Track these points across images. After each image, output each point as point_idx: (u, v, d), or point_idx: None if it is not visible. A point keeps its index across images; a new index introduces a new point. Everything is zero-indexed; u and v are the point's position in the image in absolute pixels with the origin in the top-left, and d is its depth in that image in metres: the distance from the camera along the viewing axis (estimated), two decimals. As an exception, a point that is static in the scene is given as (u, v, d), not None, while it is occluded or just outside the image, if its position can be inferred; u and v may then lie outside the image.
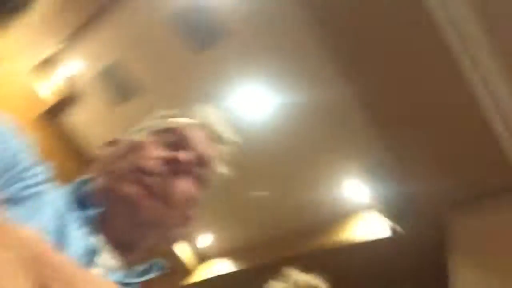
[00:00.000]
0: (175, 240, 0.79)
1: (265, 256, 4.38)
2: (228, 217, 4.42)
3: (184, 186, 0.73)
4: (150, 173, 0.70)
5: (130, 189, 0.68)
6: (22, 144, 0.62)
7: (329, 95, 3.35)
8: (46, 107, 4.50)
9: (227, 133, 0.85)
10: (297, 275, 1.79)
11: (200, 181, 0.77)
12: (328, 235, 4.17)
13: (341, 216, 4.13)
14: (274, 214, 4.32)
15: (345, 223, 4.15)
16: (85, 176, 0.75)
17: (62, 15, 3.61)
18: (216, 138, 0.83)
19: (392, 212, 3.60)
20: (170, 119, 0.83)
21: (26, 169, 0.61)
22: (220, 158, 0.83)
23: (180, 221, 0.75)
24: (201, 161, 0.77)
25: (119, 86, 4.21)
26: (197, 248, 4.92)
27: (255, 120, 3.87)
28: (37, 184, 0.62)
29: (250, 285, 2.06)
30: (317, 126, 3.74)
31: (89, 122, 4.54)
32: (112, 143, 0.81)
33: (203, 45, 3.66)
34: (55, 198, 0.64)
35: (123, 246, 0.70)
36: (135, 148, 0.74)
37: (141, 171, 0.70)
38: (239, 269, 4.69)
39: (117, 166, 0.72)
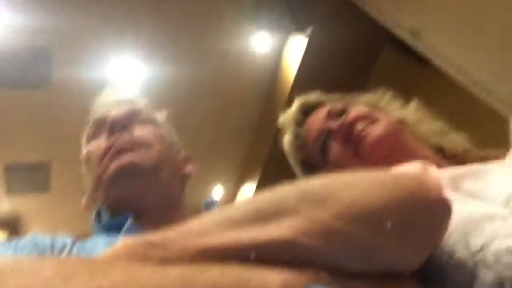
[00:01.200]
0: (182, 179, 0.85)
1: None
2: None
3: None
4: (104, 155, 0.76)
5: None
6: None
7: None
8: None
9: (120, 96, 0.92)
10: None
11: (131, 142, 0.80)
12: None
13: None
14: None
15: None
16: (92, 213, 0.79)
17: None
18: (112, 102, 0.89)
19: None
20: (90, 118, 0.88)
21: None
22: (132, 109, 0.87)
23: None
24: (116, 125, 0.80)
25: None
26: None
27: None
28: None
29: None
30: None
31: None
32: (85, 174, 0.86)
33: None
34: (94, 243, 0.66)
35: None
36: (88, 161, 0.81)
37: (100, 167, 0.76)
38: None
39: (97, 182, 0.77)
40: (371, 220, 0.41)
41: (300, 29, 3.74)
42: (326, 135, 0.97)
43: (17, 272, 0.28)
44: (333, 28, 3.54)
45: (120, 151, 0.75)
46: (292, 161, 1.07)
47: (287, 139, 1.07)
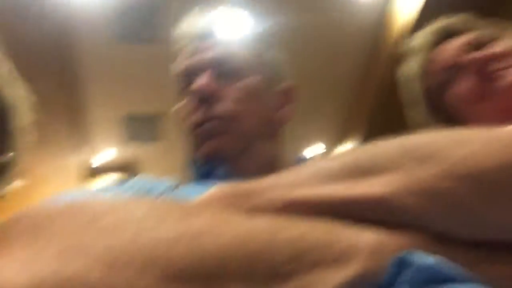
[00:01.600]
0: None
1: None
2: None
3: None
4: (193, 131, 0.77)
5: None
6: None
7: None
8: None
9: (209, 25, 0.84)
10: None
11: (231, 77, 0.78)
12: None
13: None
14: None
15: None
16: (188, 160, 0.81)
17: None
18: (196, 33, 0.83)
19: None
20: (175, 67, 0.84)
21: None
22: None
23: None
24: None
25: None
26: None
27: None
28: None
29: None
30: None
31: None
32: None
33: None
34: (189, 189, 0.67)
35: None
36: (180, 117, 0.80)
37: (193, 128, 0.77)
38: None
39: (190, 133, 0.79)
40: (483, 180, 0.36)
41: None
42: (454, 69, 0.85)
43: (112, 211, 0.30)
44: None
45: (205, 136, 0.75)
46: (408, 98, 0.95)
47: (409, 67, 0.94)
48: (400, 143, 0.40)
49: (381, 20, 4.12)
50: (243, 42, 0.87)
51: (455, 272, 0.31)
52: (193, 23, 0.85)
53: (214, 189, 0.40)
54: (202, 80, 0.76)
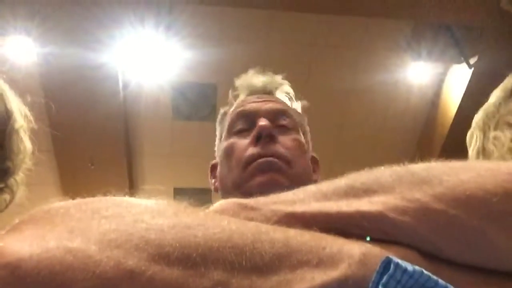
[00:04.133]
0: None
1: None
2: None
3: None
4: (251, 162, 0.81)
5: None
6: None
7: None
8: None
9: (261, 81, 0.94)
10: None
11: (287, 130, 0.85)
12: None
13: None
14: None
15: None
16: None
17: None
18: (257, 87, 0.92)
19: None
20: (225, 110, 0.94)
21: None
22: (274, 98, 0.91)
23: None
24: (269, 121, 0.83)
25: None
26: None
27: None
28: None
29: None
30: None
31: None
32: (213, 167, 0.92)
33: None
34: None
35: None
36: (229, 154, 0.85)
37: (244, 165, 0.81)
38: None
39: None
40: (475, 204, 0.36)
41: (463, 59, 3.50)
42: None
43: (114, 206, 0.34)
44: (498, 58, 3.24)
45: (266, 168, 0.79)
46: None
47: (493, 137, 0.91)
48: (395, 170, 0.41)
49: (436, 103, 4.12)
50: (294, 106, 0.96)
51: (442, 283, 0.31)
52: (256, 78, 0.95)
53: (220, 202, 0.42)
54: (264, 121, 0.82)
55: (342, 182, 0.41)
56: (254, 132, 0.82)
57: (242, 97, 0.93)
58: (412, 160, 0.43)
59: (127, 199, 0.37)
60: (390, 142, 4.29)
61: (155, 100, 3.98)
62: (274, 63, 3.96)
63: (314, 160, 0.92)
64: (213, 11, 3.55)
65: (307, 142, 0.91)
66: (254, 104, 0.88)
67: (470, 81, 3.53)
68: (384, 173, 0.41)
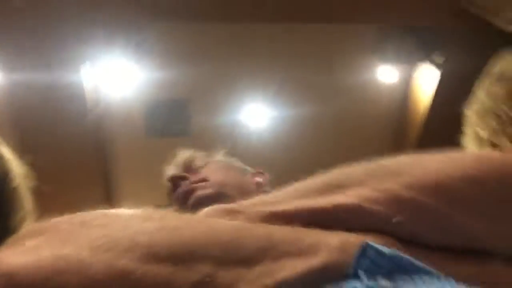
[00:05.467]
0: None
1: None
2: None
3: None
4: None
5: None
6: None
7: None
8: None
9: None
10: None
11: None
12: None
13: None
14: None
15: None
16: None
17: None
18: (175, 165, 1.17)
19: None
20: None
21: None
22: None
23: None
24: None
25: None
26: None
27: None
28: None
29: None
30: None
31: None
32: None
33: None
34: None
35: None
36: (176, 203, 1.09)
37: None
38: None
39: None
40: (442, 190, 0.39)
41: (430, 60, 3.59)
42: None
43: (103, 216, 0.37)
44: (465, 57, 3.34)
45: (185, 197, 1.00)
46: None
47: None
48: (365, 165, 0.44)
49: (405, 104, 4.20)
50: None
51: (417, 263, 0.32)
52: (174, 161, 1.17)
53: (205, 209, 0.45)
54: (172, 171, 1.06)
55: (317, 180, 0.44)
56: (170, 185, 1.12)
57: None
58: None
59: (113, 210, 0.39)
60: (364, 144, 4.36)
61: (127, 119, 3.93)
62: (246, 75, 4.00)
63: (255, 173, 1.10)
64: (183, 28, 3.55)
65: (234, 166, 1.12)
66: (173, 172, 1.17)
67: (439, 82, 3.62)
68: (356, 169, 0.44)
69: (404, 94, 4.18)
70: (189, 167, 1.11)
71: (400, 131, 4.36)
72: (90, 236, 0.33)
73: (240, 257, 0.33)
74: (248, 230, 0.36)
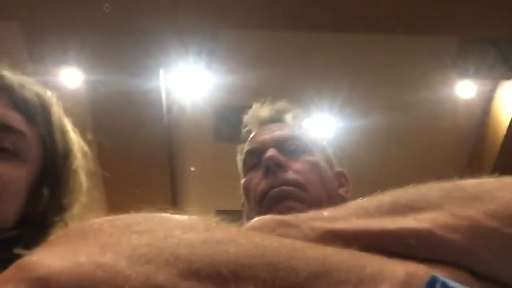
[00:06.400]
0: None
1: None
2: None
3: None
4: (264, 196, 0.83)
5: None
6: None
7: None
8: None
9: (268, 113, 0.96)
10: None
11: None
12: None
13: None
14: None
15: None
16: None
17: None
18: (263, 118, 0.95)
19: None
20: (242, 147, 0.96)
21: None
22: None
23: None
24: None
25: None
26: None
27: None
28: None
29: None
30: None
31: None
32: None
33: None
34: None
35: None
36: (247, 191, 0.89)
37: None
38: None
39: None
40: None
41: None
42: None
43: (145, 221, 0.35)
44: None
45: (278, 198, 0.81)
46: None
47: None
48: (442, 185, 0.39)
49: (484, 120, 3.97)
50: (305, 128, 0.98)
51: None
52: (262, 109, 0.98)
53: (256, 219, 0.41)
54: (270, 152, 0.84)
55: (385, 198, 0.39)
56: (263, 166, 0.84)
57: (253, 131, 0.95)
58: (462, 178, 0.41)
59: (159, 214, 0.37)
60: (437, 162, 4.16)
61: (197, 123, 4.05)
62: (314, 84, 3.97)
63: (340, 174, 0.93)
64: (254, 35, 3.61)
65: (326, 159, 0.92)
66: (261, 137, 0.91)
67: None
68: (431, 189, 0.39)
69: (483, 111, 3.95)
70: (285, 147, 0.87)
71: (477, 150, 4.12)
72: (130, 243, 0.31)
73: (290, 282, 0.30)
74: (300, 251, 0.32)
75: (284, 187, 0.81)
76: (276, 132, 0.90)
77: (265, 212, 0.80)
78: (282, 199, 0.80)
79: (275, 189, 0.81)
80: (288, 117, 0.96)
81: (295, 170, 0.84)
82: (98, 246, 0.31)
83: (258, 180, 0.84)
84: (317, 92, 3.74)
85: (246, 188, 0.88)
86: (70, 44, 3.29)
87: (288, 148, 0.87)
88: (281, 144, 0.87)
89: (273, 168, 0.82)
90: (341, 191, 0.90)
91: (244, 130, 0.97)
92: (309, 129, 0.98)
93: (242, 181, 0.91)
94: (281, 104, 0.98)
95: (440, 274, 0.30)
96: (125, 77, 3.41)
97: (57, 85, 3.39)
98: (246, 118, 0.98)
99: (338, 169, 0.94)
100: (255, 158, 0.88)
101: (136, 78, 3.47)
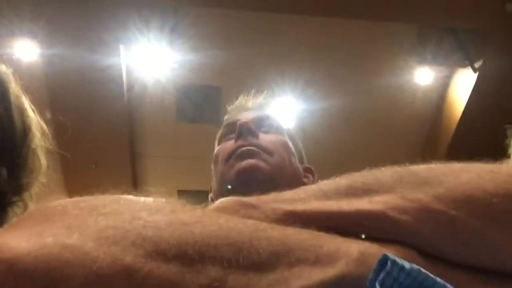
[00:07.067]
0: None
1: None
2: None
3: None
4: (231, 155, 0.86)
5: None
6: None
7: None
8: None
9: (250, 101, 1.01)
10: None
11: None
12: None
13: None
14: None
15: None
16: None
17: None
18: (245, 107, 0.99)
19: None
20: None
21: None
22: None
23: None
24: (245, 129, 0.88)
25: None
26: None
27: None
28: None
29: None
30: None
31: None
32: None
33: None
34: None
35: None
36: (216, 159, 0.91)
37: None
38: None
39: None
40: (475, 205, 0.37)
41: (468, 63, 3.50)
42: None
43: (112, 203, 0.35)
44: (503, 61, 3.23)
45: (244, 155, 0.83)
46: None
47: None
48: (396, 170, 0.41)
49: (440, 106, 4.11)
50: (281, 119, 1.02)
51: (439, 281, 0.31)
52: (245, 99, 1.02)
53: (220, 200, 0.42)
54: (243, 119, 0.89)
55: (343, 181, 0.41)
56: (236, 131, 0.87)
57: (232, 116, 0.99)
58: (417, 162, 0.43)
59: (125, 196, 0.37)
60: (396, 143, 4.28)
61: (159, 102, 3.99)
62: (278, 66, 3.98)
63: (308, 170, 0.96)
64: (218, 13, 3.56)
65: (296, 150, 0.95)
66: (239, 115, 0.94)
67: (475, 84, 3.52)
68: (385, 173, 0.41)
69: (440, 97, 4.09)
70: (259, 123, 0.92)
71: (433, 133, 4.27)
72: (97, 225, 0.32)
73: (253, 261, 0.31)
74: (262, 232, 0.33)
75: (252, 148, 0.83)
76: (253, 113, 0.95)
77: (228, 169, 0.82)
78: (248, 155, 0.82)
79: (243, 148, 0.83)
80: (267, 107, 1.01)
81: (265, 140, 0.87)
82: (64, 228, 0.31)
83: (229, 145, 0.87)
84: (280, 74, 3.75)
85: (216, 155, 0.90)
86: (24, 13, 3.14)
87: (262, 125, 0.91)
88: (256, 120, 0.91)
89: (245, 132, 0.85)
90: (306, 180, 0.92)
91: (225, 118, 1.00)
92: (282, 120, 1.02)
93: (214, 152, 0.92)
94: (263, 97, 1.03)
95: (391, 252, 0.32)
96: (83, 52, 3.30)
97: (11, 58, 3.24)
98: (229, 108, 1.02)
99: (308, 165, 0.98)
100: (230, 128, 0.92)
101: (95, 53, 3.36)
